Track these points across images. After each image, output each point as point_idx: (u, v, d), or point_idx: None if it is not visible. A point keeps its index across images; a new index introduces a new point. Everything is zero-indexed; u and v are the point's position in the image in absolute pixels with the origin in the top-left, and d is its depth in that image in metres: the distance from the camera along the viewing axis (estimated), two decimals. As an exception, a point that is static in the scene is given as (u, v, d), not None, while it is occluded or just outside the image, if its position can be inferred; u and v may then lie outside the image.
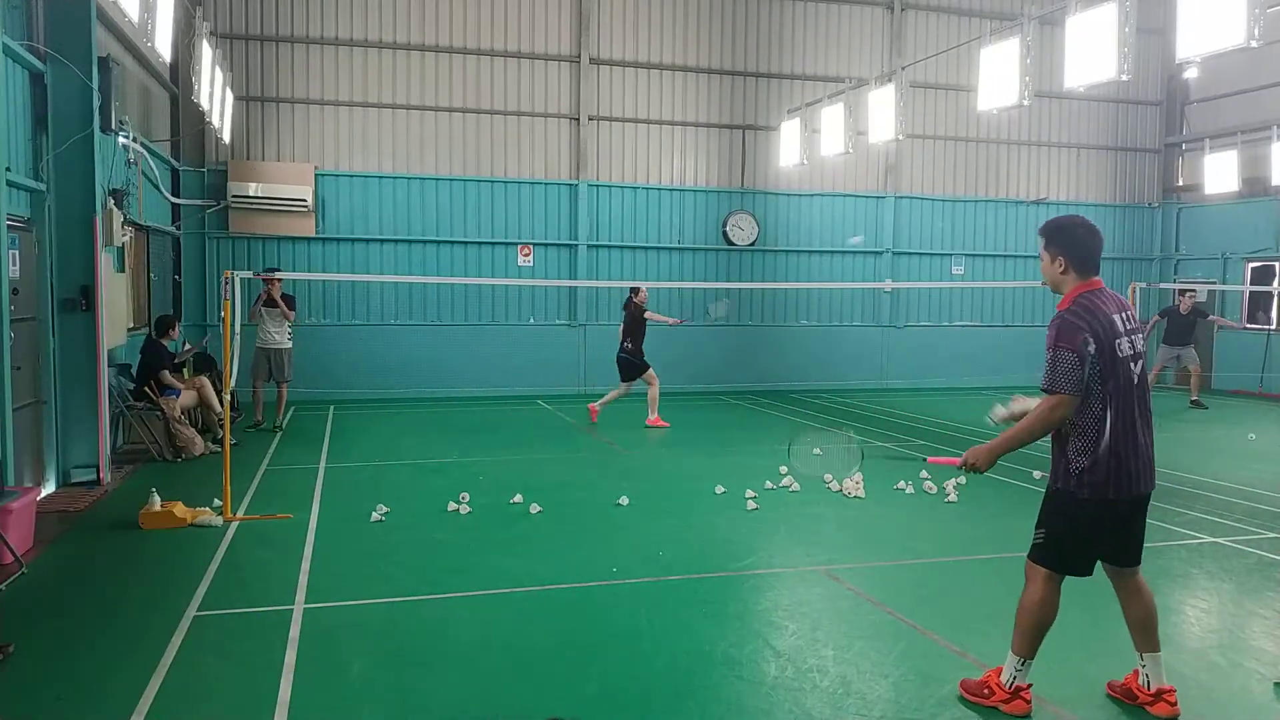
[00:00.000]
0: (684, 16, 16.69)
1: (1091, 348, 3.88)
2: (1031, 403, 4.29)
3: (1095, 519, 4.00)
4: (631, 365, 12.71)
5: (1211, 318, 16.02)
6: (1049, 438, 4.07)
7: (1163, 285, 17.57)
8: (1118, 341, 3.94)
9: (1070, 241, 4.08)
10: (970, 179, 18.29)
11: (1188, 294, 15.38)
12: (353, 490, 8.52)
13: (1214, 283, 17.71)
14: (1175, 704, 4.08)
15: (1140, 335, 4.09)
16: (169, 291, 14.06)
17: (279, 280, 11.98)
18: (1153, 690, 4.12)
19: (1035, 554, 4.14)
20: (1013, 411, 4.44)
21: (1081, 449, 3.95)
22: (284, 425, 12.16)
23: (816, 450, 10.77)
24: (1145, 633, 4.14)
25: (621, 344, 12.75)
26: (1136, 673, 4.20)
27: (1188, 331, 15.29)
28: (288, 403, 12.53)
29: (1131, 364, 3.98)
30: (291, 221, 15.02)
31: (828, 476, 8.90)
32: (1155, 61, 18.67)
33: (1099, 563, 4.19)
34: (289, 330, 12.15)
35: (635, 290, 12.84)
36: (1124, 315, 4.04)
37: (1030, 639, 4.11)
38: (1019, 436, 4.03)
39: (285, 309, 11.89)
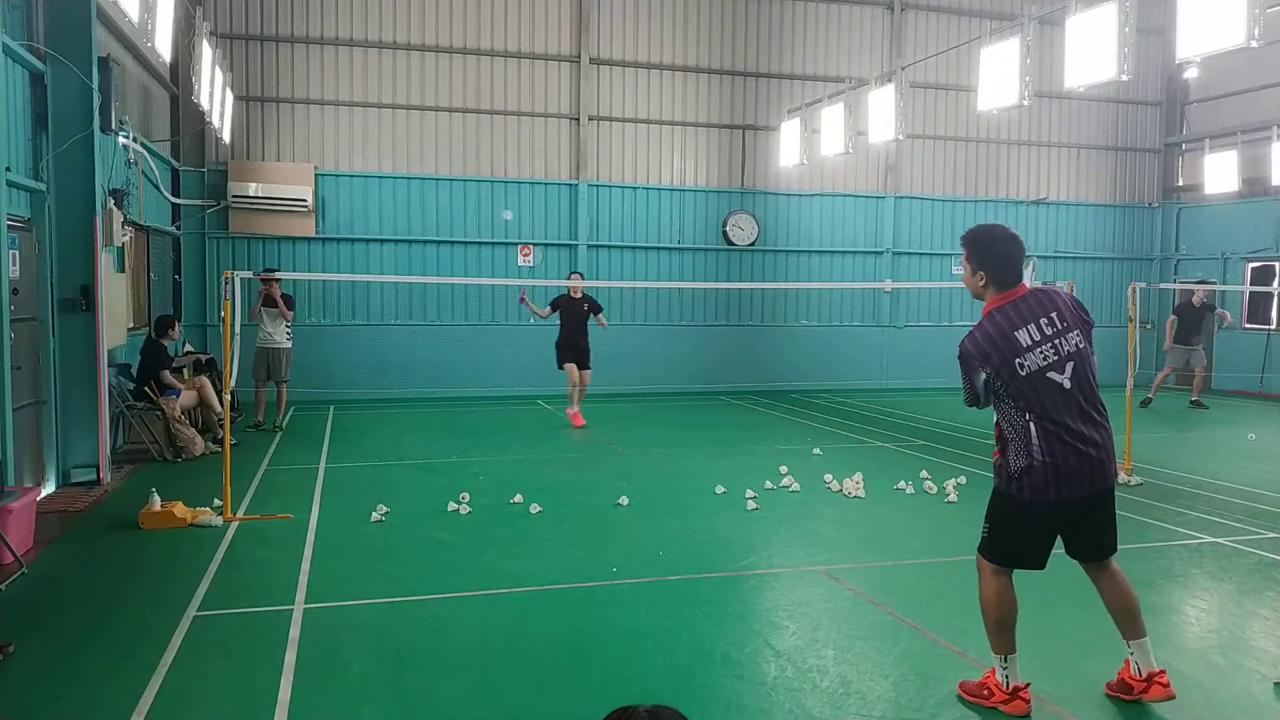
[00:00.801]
0: (684, 16, 16.69)
1: (983, 375, 4.00)
2: None
3: (1038, 519, 4.05)
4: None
5: (1219, 311, 15.82)
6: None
7: (1162, 285, 17.56)
8: (1019, 360, 3.95)
9: (991, 255, 4.12)
10: (970, 179, 18.29)
11: (1200, 288, 15.16)
12: (353, 490, 8.52)
13: (1214, 283, 17.70)
14: (1168, 685, 4.09)
15: (1076, 333, 4.05)
16: (169, 291, 14.07)
17: (278, 280, 12.00)
18: (1145, 675, 4.13)
19: (981, 548, 4.23)
20: None
21: (1016, 454, 4.02)
22: (284, 425, 12.16)
23: (816, 450, 10.78)
24: (1129, 619, 4.16)
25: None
26: (1127, 663, 4.20)
27: (1198, 326, 15.09)
28: (288, 403, 12.55)
29: (1054, 372, 3.97)
30: (291, 221, 15.02)
31: (828, 476, 8.90)
32: (1155, 61, 18.67)
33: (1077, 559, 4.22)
34: (288, 330, 12.17)
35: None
36: (1044, 320, 4.01)
37: (999, 634, 4.15)
38: None
39: (284, 308, 11.91)
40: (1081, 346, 4.07)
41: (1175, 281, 18.38)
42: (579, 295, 12.52)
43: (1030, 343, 3.98)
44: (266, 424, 12.04)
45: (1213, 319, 15.40)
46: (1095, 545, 4.16)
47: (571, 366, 12.51)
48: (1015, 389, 3.97)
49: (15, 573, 5.86)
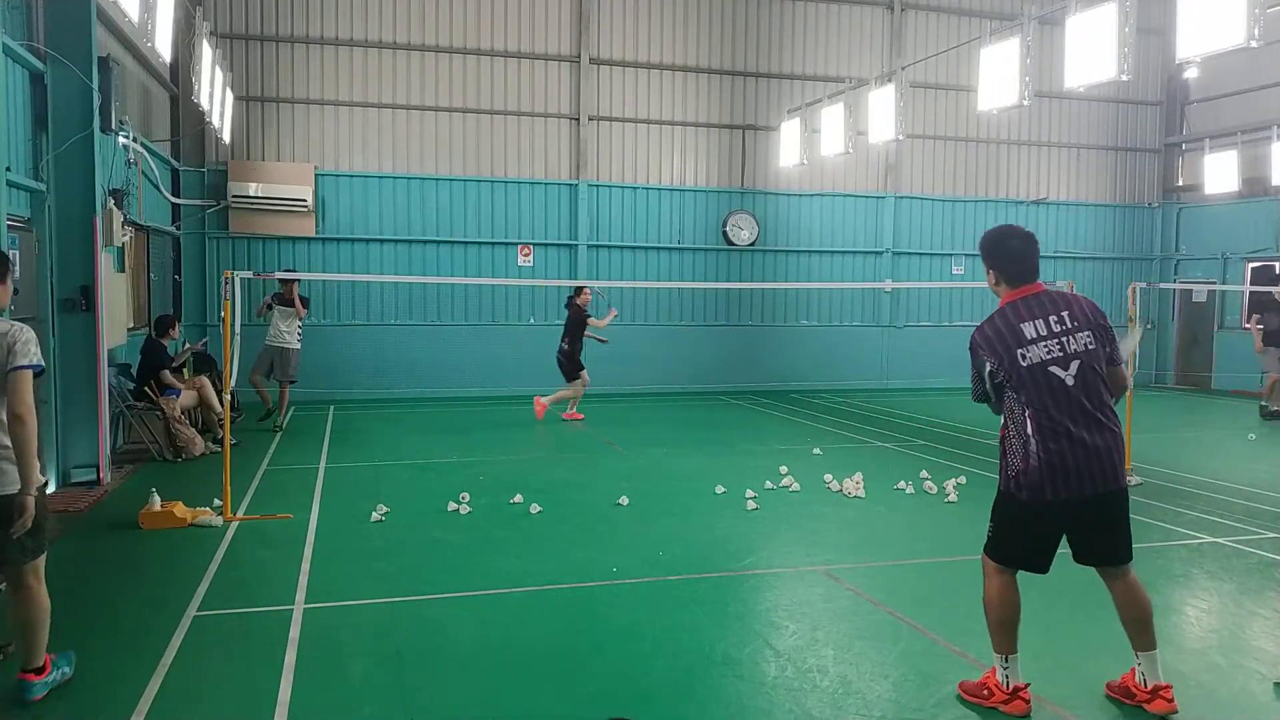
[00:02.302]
0: (684, 16, 16.70)
1: (989, 367, 4.11)
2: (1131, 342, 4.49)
3: (1037, 519, 4.07)
4: (565, 366, 12.82)
5: None
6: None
7: (1163, 285, 17.56)
8: (1022, 351, 4.01)
9: (1002, 255, 4.23)
10: (970, 179, 18.29)
11: None
12: (353, 490, 8.52)
13: (1214, 283, 17.71)
14: (1172, 700, 4.08)
15: (1087, 334, 4.06)
16: (169, 291, 14.07)
17: (296, 281, 12.04)
18: (1149, 688, 4.12)
19: (985, 547, 4.28)
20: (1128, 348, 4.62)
21: (1014, 452, 4.08)
22: (284, 425, 12.14)
23: (816, 450, 10.77)
24: (1140, 631, 4.14)
25: (560, 343, 12.86)
26: (1133, 671, 4.20)
27: None
28: (288, 403, 12.49)
29: (1058, 367, 3.99)
30: (291, 221, 15.02)
31: (828, 476, 8.90)
32: (1155, 61, 18.67)
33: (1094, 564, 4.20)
34: (299, 330, 12.14)
35: (578, 291, 12.87)
36: (1053, 317, 4.05)
37: (1001, 634, 4.16)
38: None
39: (299, 306, 11.95)
40: (1091, 348, 4.05)
41: (1175, 281, 18.38)
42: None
43: (1035, 336, 4.04)
44: (271, 416, 11.98)
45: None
46: (1104, 550, 4.13)
47: (583, 376, 12.92)
48: (1017, 380, 4.02)
49: (15, 573, 5.84)
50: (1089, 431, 3.99)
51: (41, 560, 4.27)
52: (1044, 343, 4.03)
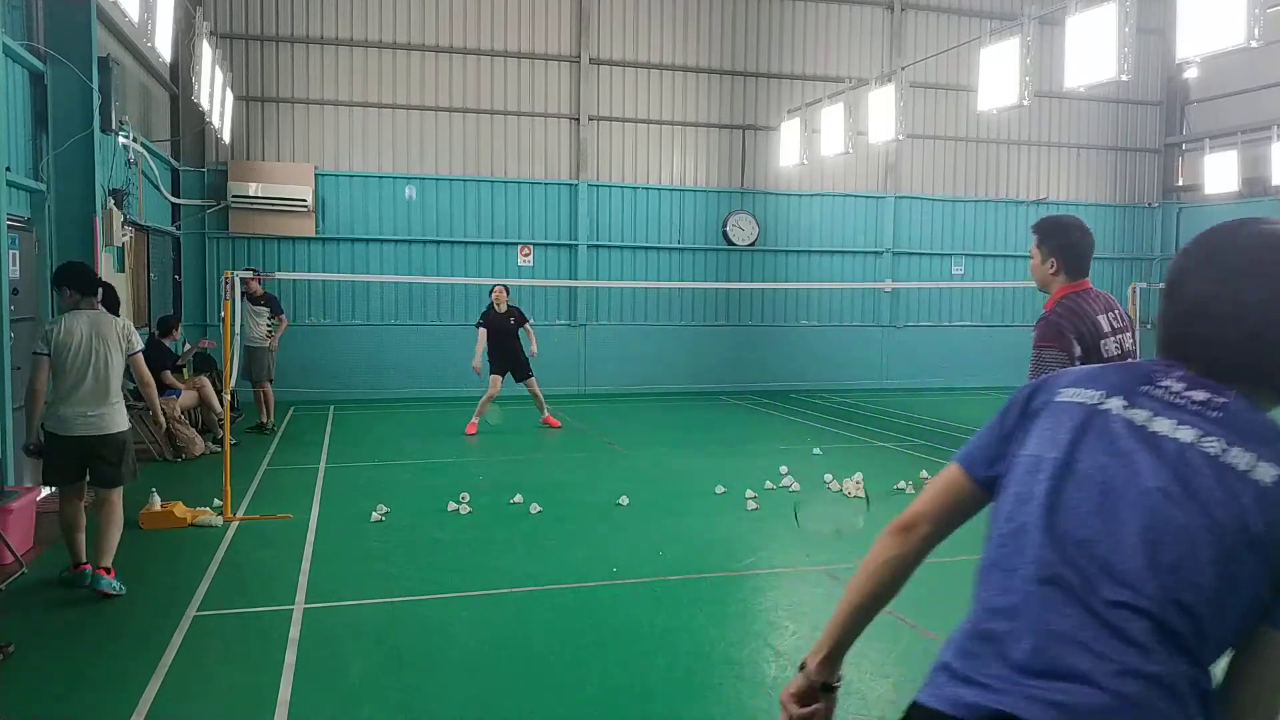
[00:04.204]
0: (684, 16, 16.69)
1: (1077, 350, 3.83)
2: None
3: None
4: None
5: None
6: None
7: (1163, 285, 17.53)
8: (1103, 342, 3.90)
9: (1065, 243, 4.04)
10: (970, 179, 18.28)
11: None
12: (353, 490, 8.52)
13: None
14: None
15: (1129, 335, 4.05)
16: (169, 291, 14.07)
17: (258, 278, 11.60)
18: None
19: None
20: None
21: None
22: (274, 427, 11.84)
23: (817, 450, 10.76)
24: None
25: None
26: None
27: None
28: (278, 403, 12.19)
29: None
30: (291, 221, 15.02)
31: (828, 476, 8.91)
32: (1155, 61, 18.65)
33: None
34: (268, 328, 11.72)
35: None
36: (1111, 315, 4.00)
37: None
38: None
39: (271, 307, 11.67)
40: (1132, 349, 4.04)
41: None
42: (504, 309, 12.09)
43: (1108, 330, 3.92)
44: (268, 425, 11.83)
45: None
46: None
47: (497, 378, 12.08)
48: None
49: (16, 573, 5.86)
50: None
51: (122, 488, 5.72)
52: (1114, 338, 3.92)
